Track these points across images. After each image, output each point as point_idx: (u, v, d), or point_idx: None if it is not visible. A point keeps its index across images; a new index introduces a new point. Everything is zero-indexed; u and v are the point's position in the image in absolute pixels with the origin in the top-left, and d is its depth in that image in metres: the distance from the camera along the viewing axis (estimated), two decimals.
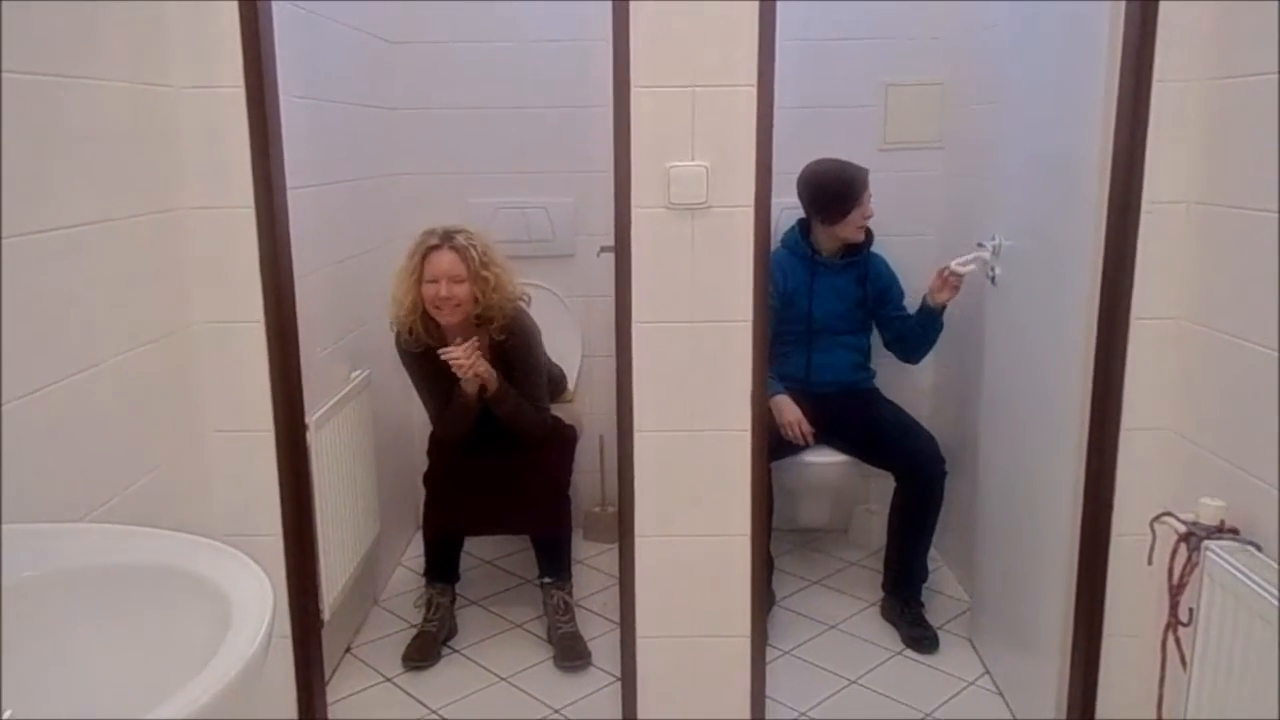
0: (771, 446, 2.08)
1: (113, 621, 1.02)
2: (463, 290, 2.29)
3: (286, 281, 1.88)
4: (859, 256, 2.68)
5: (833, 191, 2.59)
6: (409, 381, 2.59)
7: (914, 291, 2.78)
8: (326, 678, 2.20)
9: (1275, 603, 1.35)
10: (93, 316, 1.53)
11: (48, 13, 1.40)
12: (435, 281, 2.29)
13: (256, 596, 0.94)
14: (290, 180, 1.89)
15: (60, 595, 1.04)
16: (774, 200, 1.90)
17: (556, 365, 2.74)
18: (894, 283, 2.74)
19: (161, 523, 1.64)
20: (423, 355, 2.39)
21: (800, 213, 2.70)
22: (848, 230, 2.61)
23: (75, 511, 1.47)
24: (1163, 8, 1.67)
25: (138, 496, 1.63)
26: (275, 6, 1.81)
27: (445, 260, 2.28)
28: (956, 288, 2.52)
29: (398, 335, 2.42)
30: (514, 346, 2.40)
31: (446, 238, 2.31)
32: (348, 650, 2.49)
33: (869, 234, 2.68)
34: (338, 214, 2.43)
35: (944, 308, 2.59)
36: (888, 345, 2.77)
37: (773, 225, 1.95)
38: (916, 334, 2.68)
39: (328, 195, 2.34)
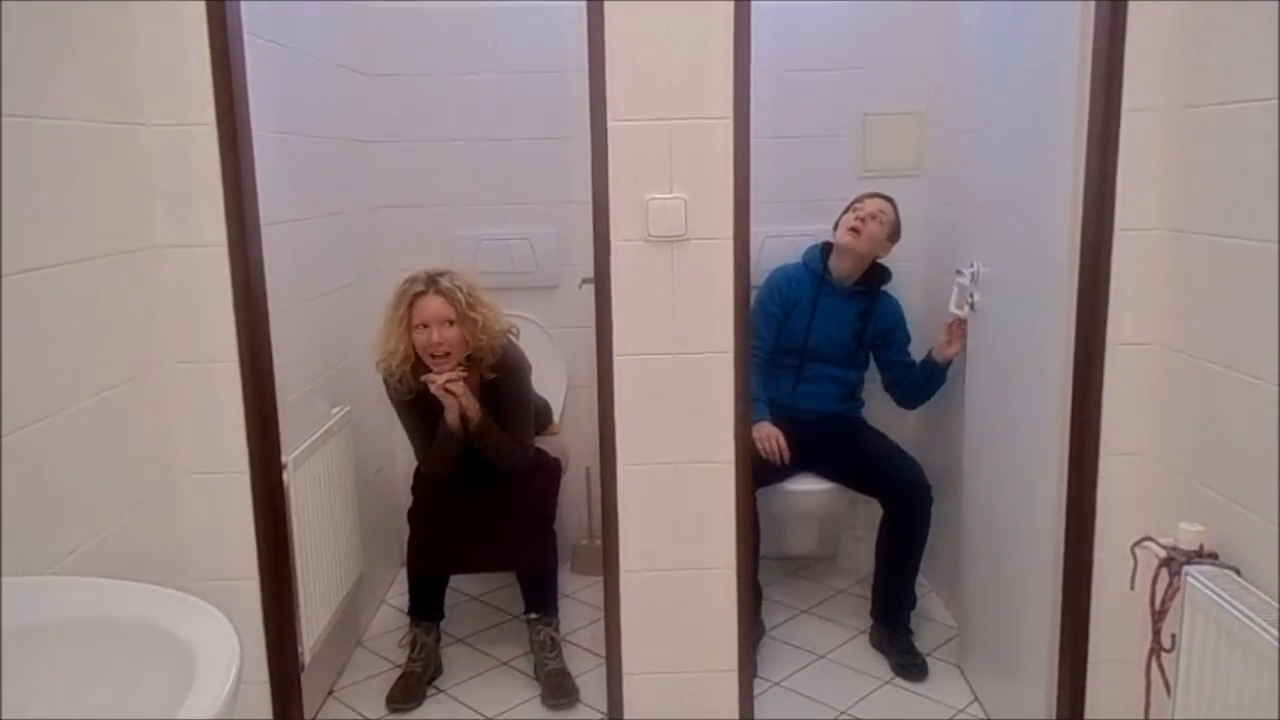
0: (756, 473, 2.08)
1: (74, 678, 0.99)
2: (453, 334, 2.28)
3: (261, 319, 1.87)
4: (869, 289, 2.69)
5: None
6: (393, 418, 2.58)
7: (910, 325, 2.80)
8: None
9: (1256, 628, 1.35)
10: (63, 358, 1.51)
11: (16, 51, 1.39)
12: (425, 327, 2.27)
13: (223, 651, 0.92)
14: (266, 216, 1.89)
15: (20, 652, 1.02)
16: (754, 230, 1.91)
17: (541, 397, 2.73)
18: (901, 326, 2.73)
19: (135, 568, 1.63)
20: (413, 401, 2.38)
21: (798, 240, 2.75)
22: (840, 232, 2.63)
23: (44, 560, 1.44)
24: (1131, 38, 1.70)
25: (111, 542, 1.60)
26: (247, 41, 1.81)
27: (433, 305, 2.27)
28: (962, 340, 2.49)
29: (386, 381, 2.40)
30: (503, 384, 2.39)
31: (431, 282, 2.29)
32: (330, 693, 2.44)
33: (884, 271, 2.69)
34: (316, 249, 2.42)
35: (950, 362, 2.59)
36: (886, 388, 2.76)
37: (754, 255, 1.96)
38: (918, 384, 2.68)
39: (305, 230, 2.33)
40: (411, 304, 2.29)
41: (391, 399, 2.45)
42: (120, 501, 1.66)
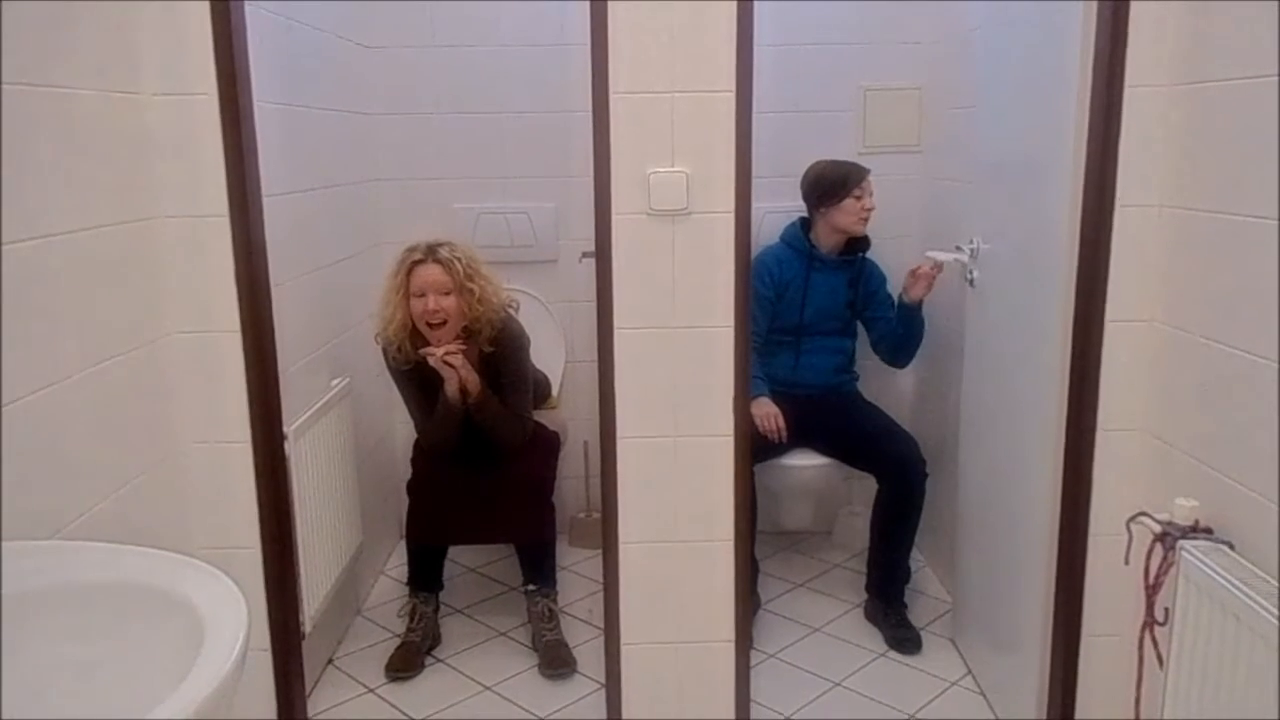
0: (753, 449, 2.09)
1: (85, 641, 1.00)
2: (450, 303, 2.29)
3: (263, 290, 1.87)
4: (854, 258, 2.70)
5: (829, 178, 2.61)
6: (393, 389, 2.58)
7: (896, 295, 2.81)
8: (308, 690, 2.19)
9: (1249, 602, 1.37)
10: (65, 328, 1.51)
11: (15, 21, 1.38)
12: (422, 295, 2.28)
13: (231, 614, 0.93)
14: (266, 187, 1.88)
15: (30, 615, 1.03)
16: (754, 205, 1.90)
17: (540, 371, 2.73)
18: (883, 287, 2.76)
19: (138, 537, 1.64)
20: (411, 371, 2.39)
21: (794, 215, 2.72)
22: (847, 219, 2.60)
23: (49, 527, 1.45)
24: (1134, 16, 1.69)
25: (113, 510, 1.61)
26: (249, 11, 1.80)
27: (431, 274, 2.28)
28: (930, 281, 2.54)
29: (385, 351, 2.41)
30: (502, 357, 2.40)
31: (430, 251, 2.30)
32: (330, 661, 2.47)
33: (866, 239, 2.69)
34: (316, 221, 2.42)
35: (920, 304, 2.61)
36: (874, 347, 2.78)
37: (754, 230, 1.96)
38: (898, 334, 2.70)
39: (305, 202, 2.33)
40: (410, 272, 2.29)
41: (390, 369, 2.45)
42: (122, 470, 1.66)
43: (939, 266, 2.51)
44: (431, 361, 2.29)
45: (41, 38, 1.46)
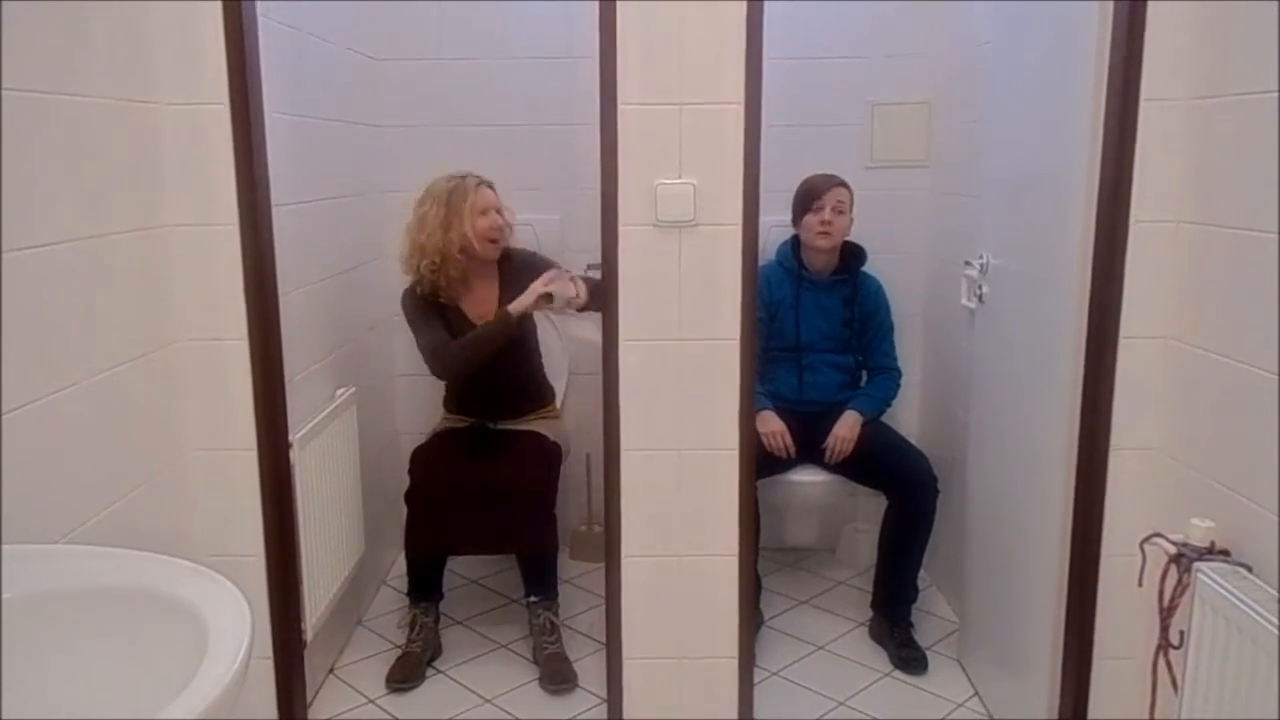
0: (758, 464, 2.07)
1: (87, 646, 1.00)
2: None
3: (271, 298, 1.87)
4: (847, 275, 2.68)
5: (801, 193, 2.61)
6: (396, 399, 2.57)
7: (904, 312, 2.79)
8: (309, 699, 2.17)
9: (1268, 626, 1.35)
10: (74, 334, 1.51)
11: (32, 28, 1.39)
12: (485, 213, 2.44)
13: (235, 621, 0.92)
14: (275, 197, 1.88)
15: (34, 619, 1.02)
16: (762, 218, 1.90)
17: (547, 381, 2.73)
18: (879, 310, 2.70)
19: (142, 543, 1.62)
20: (438, 304, 2.45)
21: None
22: (808, 234, 2.60)
23: (53, 531, 1.44)
24: (1150, 29, 1.69)
25: (118, 516, 1.60)
26: (260, 24, 1.81)
27: (490, 195, 2.47)
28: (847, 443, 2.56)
29: (413, 286, 2.44)
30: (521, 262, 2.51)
31: (478, 178, 2.46)
32: (331, 671, 2.45)
33: (859, 252, 2.68)
34: (323, 230, 2.42)
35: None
36: (860, 365, 2.77)
37: (760, 243, 1.95)
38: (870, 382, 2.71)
39: (313, 212, 2.33)
40: (475, 192, 2.43)
41: (415, 302, 2.44)
42: (128, 476, 1.66)
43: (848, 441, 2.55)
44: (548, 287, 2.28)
45: (56, 46, 1.46)
